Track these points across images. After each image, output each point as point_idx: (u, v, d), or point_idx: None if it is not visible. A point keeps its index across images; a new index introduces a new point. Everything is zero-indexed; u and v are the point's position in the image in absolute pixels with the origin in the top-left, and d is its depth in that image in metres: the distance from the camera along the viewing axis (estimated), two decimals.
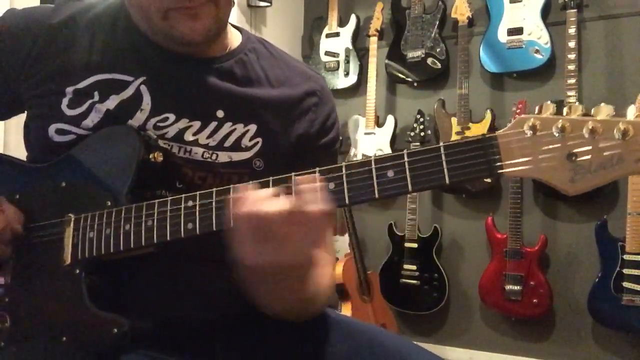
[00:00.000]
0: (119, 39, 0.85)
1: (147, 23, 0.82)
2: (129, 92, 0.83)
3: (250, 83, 0.88)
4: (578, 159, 0.54)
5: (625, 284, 2.24)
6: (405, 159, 0.61)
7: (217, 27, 0.82)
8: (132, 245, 0.73)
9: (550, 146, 0.55)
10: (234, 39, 0.92)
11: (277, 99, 0.89)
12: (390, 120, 2.87)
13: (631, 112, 0.54)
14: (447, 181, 0.59)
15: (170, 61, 0.85)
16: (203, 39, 0.80)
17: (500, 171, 0.57)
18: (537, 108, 0.57)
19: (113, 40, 0.85)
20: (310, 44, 3.23)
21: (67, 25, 0.86)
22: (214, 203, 0.68)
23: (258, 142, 0.86)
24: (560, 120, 0.55)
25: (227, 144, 0.85)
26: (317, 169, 0.65)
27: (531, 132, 0.56)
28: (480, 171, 0.58)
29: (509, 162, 0.57)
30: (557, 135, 0.55)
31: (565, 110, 0.56)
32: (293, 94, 0.90)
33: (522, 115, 0.57)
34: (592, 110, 0.55)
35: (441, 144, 0.60)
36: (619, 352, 2.45)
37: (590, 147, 0.54)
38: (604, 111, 0.54)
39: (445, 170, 0.59)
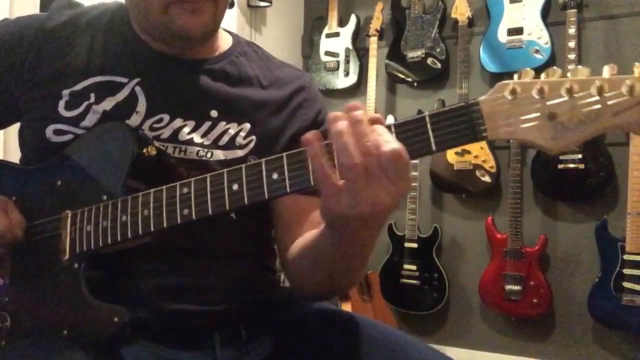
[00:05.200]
0: (114, 42, 0.87)
1: (145, 19, 0.84)
2: (124, 93, 0.84)
3: (242, 83, 0.90)
4: (558, 118, 0.56)
5: (625, 284, 2.24)
6: (393, 130, 0.61)
7: (214, 25, 0.84)
8: (129, 235, 0.73)
9: (531, 107, 0.57)
10: (225, 41, 0.95)
11: (268, 99, 0.91)
12: (390, 120, 2.85)
13: (606, 71, 0.56)
14: (434, 148, 0.60)
15: (164, 62, 0.87)
16: (201, 34, 0.82)
17: (485, 134, 0.58)
18: (516, 75, 0.59)
19: (108, 44, 0.87)
20: (310, 44, 3.23)
21: (62, 29, 0.87)
22: (208, 188, 0.69)
23: (252, 140, 0.88)
24: (539, 83, 0.56)
25: (222, 142, 0.86)
26: (307, 148, 0.64)
27: (512, 96, 0.57)
28: (465, 136, 0.59)
29: (492, 125, 0.58)
30: (536, 97, 0.57)
31: (543, 75, 0.58)
32: (283, 94, 0.92)
33: (503, 82, 0.58)
34: (569, 73, 0.57)
35: (426, 113, 0.60)
36: (619, 352, 2.45)
37: (569, 106, 0.56)
38: (582, 72, 0.56)
39: (432, 138, 0.60)
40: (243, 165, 0.67)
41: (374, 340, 0.82)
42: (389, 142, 0.58)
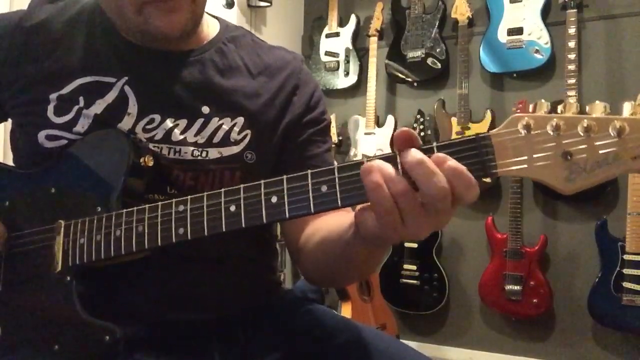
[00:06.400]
0: (97, 40, 0.84)
1: (121, 19, 0.80)
2: (113, 94, 0.81)
3: (232, 73, 0.87)
4: (573, 158, 0.53)
5: (625, 284, 2.24)
6: (399, 159, 0.57)
7: (193, 22, 0.80)
8: (123, 252, 0.71)
9: (545, 145, 0.54)
10: (212, 28, 0.91)
11: (260, 89, 0.88)
12: (390, 120, 2.87)
13: (627, 110, 0.53)
14: None
15: (150, 58, 0.84)
16: (180, 34, 0.79)
17: (494, 171, 0.55)
18: (531, 107, 0.56)
19: (91, 42, 0.84)
20: (310, 44, 3.23)
21: (42, 28, 0.84)
22: (205, 207, 0.66)
23: (247, 134, 0.85)
24: (555, 119, 0.54)
25: (216, 139, 0.83)
26: (309, 171, 0.62)
27: (525, 131, 0.54)
28: (474, 171, 0.56)
29: (503, 161, 0.55)
30: (551, 133, 0.54)
31: (559, 108, 0.55)
32: (274, 82, 0.89)
33: (516, 114, 0.55)
34: (587, 108, 0.54)
35: (434, 143, 0.57)
36: (619, 352, 2.45)
37: (585, 146, 0.53)
38: (599, 108, 0.54)
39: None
40: (242, 186, 0.65)
41: (381, 355, 0.81)
42: (474, 187, 0.55)
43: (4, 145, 1.90)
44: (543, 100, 0.56)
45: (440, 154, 0.55)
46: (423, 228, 0.57)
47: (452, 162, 0.54)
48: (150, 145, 0.81)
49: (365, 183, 0.56)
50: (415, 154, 0.55)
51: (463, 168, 0.54)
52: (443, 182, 0.54)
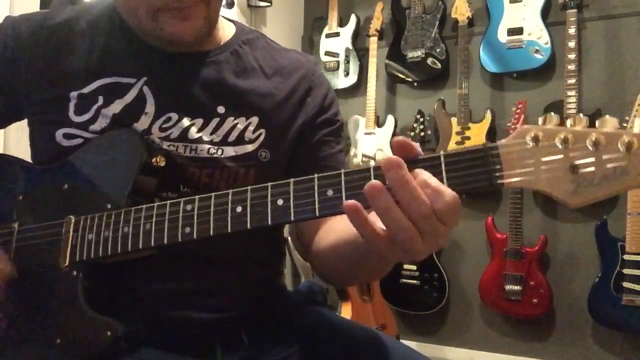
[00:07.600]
0: (117, 42, 0.86)
1: (136, 24, 0.83)
2: (132, 94, 0.83)
3: (247, 74, 0.89)
4: (580, 171, 0.53)
5: (625, 284, 2.24)
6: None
7: (208, 27, 0.83)
8: (129, 248, 0.72)
9: (553, 157, 0.54)
10: (227, 31, 0.93)
11: (274, 89, 0.89)
12: (390, 120, 2.87)
13: (637, 125, 0.53)
14: None
15: (167, 60, 0.85)
16: (194, 39, 0.81)
17: (501, 181, 0.56)
18: (540, 119, 0.56)
19: (111, 43, 0.86)
20: (310, 44, 3.23)
21: (65, 28, 0.86)
22: (212, 207, 0.67)
23: (261, 133, 0.87)
24: (563, 132, 0.54)
25: (231, 138, 0.85)
26: (316, 175, 0.62)
27: (533, 142, 0.55)
28: (481, 181, 0.56)
29: (509, 172, 0.55)
30: (559, 146, 0.54)
31: (569, 122, 0.55)
32: (288, 83, 0.91)
33: (525, 126, 0.56)
34: (597, 123, 0.54)
35: (441, 152, 0.58)
36: (619, 352, 2.45)
37: (593, 159, 0.53)
38: (609, 123, 0.54)
39: (445, 180, 0.57)
40: (249, 187, 0.66)
41: (383, 357, 0.81)
42: (443, 195, 0.55)
43: (4, 146, 1.90)
44: (552, 113, 0.56)
45: (424, 175, 0.56)
46: (436, 242, 0.57)
47: (433, 181, 0.56)
48: (166, 144, 0.82)
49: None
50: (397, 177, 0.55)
51: (444, 187, 0.55)
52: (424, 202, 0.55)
